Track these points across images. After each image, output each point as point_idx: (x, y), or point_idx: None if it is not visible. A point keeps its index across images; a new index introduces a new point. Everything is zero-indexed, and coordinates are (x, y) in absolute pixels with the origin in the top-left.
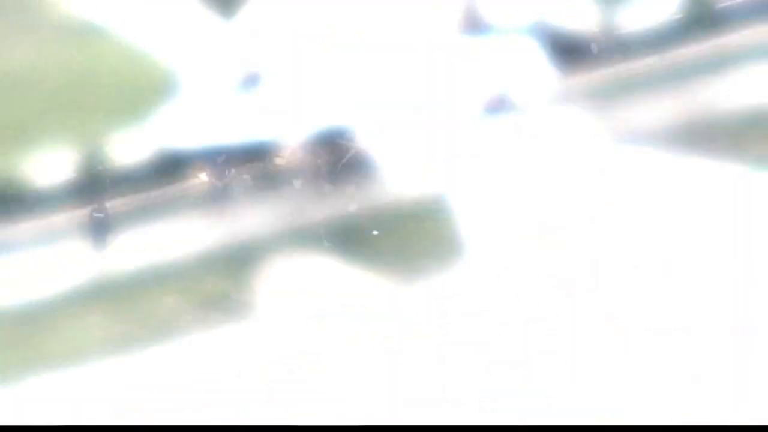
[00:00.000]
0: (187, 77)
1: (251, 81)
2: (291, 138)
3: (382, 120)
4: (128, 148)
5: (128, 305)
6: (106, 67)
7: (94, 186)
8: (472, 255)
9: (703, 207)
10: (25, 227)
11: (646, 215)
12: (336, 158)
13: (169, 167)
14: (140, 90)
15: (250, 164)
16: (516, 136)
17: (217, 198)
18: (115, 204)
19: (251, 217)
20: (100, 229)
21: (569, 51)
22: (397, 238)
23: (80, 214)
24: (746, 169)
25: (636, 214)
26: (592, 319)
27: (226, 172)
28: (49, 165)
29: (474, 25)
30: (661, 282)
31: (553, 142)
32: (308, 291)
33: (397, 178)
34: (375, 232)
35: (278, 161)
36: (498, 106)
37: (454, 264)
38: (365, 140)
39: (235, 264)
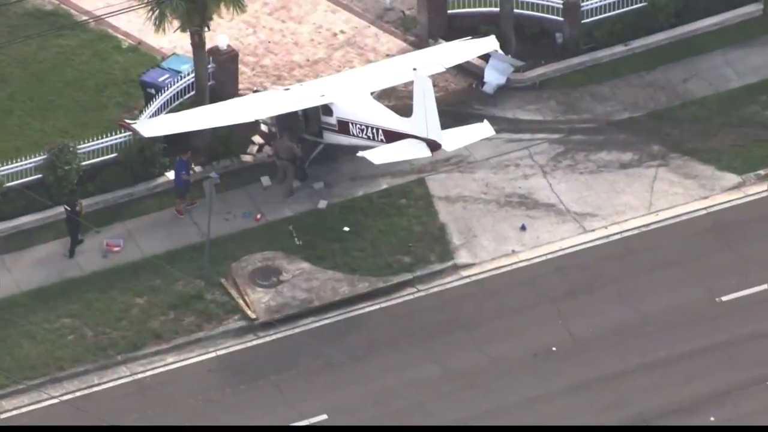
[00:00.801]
0: (150, 72)
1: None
2: (258, 134)
3: (349, 112)
4: (93, 146)
5: (99, 305)
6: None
7: (62, 186)
8: (445, 249)
9: None
10: None
11: None
12: (304, 154)
13: (136, 165)
14: (103, 86)
15: (216, 161)
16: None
17: (184, 195)
18: (83, 203)
19: (219, 215)
20: (71, 228)
21: (534, 41)
22: (368, 234)
23: (50, 214)
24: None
25: None
26: None
27: (191, 170)
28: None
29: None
30: None
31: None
32: (281, 289)
33: (367, 173)
34: (346, 229)
35: (245, 158)
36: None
37: (426, 259)
38: (333, 135)
39: (204, 263)
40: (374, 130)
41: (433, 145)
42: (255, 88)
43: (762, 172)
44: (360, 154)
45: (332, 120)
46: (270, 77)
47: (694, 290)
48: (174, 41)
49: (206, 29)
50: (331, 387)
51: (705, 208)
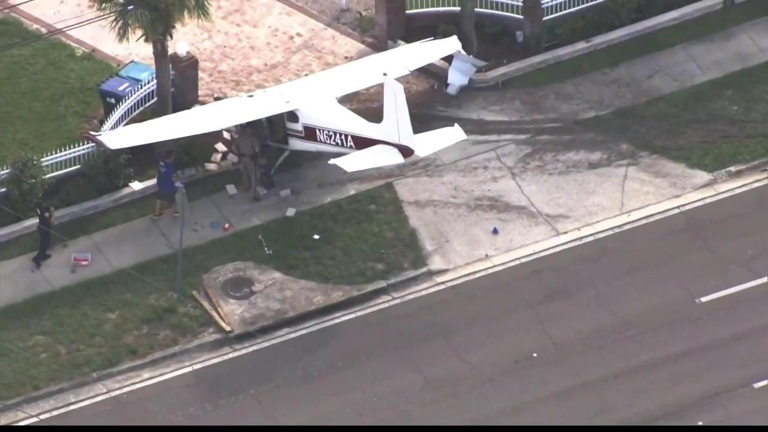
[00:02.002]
0: (109, 81)
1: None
2: (221, 141)
3: (315, 118)
4: (56, 159)
5: (71, 321)
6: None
7: (27, 200)
8: (417, 255)
9: None
10: None
11: None
12: (270, 161)
13: (101, 177)
14: (60, 96)
15: (181, 170)
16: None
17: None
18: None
19: (186, 226)
20: (42, 234)
21: (495, 40)
22: (339, 241)
23: (15, 229)
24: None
25: None
26: None
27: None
28: None
29: None
30: None
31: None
32: (254, 300)
33: (334, 179)
34: (316, 237)
35: (209, 166)
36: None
37: (400, 266)
38: (299, 141)
39: (176, 275)
40: (343, 137)
41: (406, 151)
42: (216, 95)
43: (733, 168)
44: (332, 161)
45: (298, 126)
46: (228, 83)
47: (673, 291)
48: (129, 48)
49: (169, 38)
50: (312, 399)
51: (678, 207)
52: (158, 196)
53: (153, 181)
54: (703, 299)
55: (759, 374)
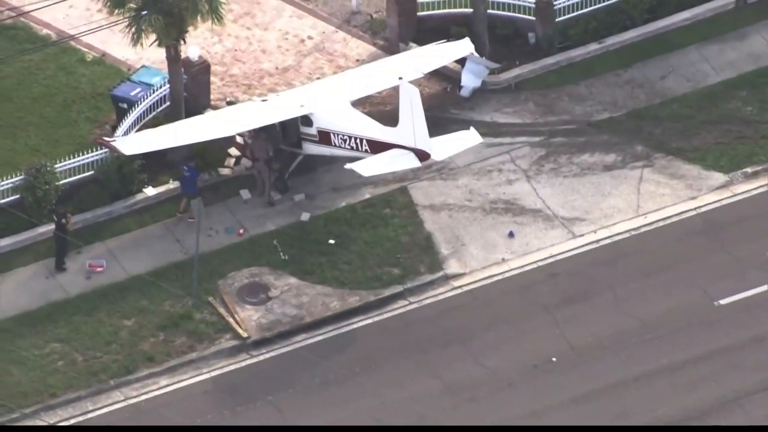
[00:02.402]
0: (121, 86)
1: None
2: (234, 146)
3: (330, 122)
4: (69, 165)
5: (87, 328)
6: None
7: (42, 207)
8: (433, 259)
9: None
10: None
11: None
12: (283, 165)
13: (114, 183)
14: (72, 101)
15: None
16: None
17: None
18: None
19: (201, 231)
20: (58, 241)
21: (507, 41)
22: (354, 246)
23: (28, 236)
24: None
25: None
26: None
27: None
28: None
29: None
30: None
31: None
32: (270, 306)
33: (348, 183)
34: (331, 241)
35: (223, 171)
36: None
37: (416, 270)
38: (313, 146)
39: (192, 281)
40: (358, 141)
41: (422, 155)
42: (228, 99)
43: (749, 170)
44: (348, 166)
45: (312, 130)
46: (240, 86)
47: (691, 294)
48: (139, 52)
49: (182, 42)
50: (330, 405)
51: (694, 209)
52: (184, 195)
53: (166, 187)
54: (722, 302)
55: None
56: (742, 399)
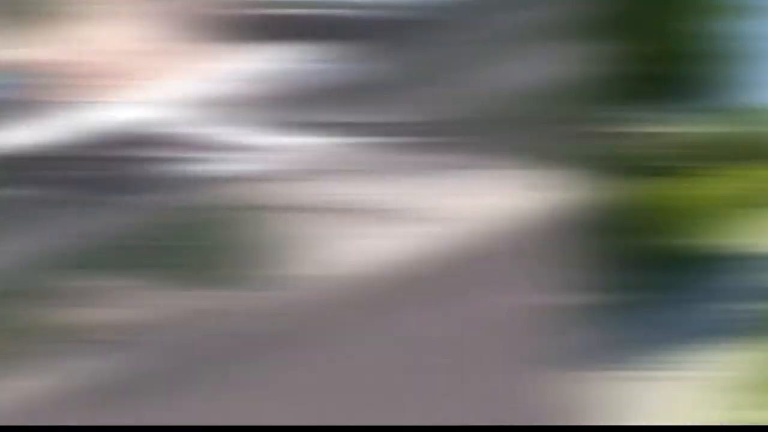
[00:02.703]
0: None
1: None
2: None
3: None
4: None
5: None
6: None
7: None
8: (282, 263)
9: None
10: None
11: None
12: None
13: None
14: None
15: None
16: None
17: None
18: None
19: (36, 237)
20: None
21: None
22: (197, 249)
23: None
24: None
25: None
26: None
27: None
28: None
29: None
30: None
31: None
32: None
33: (192, 182)
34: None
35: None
36: None
37: (265, 274)
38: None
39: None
40: None
41: None
42: None
43: None
44: None
45: None
46: None
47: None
48: None
49: None
50: None
51: None
52: None
53: None
54: None
55: None
56: None
